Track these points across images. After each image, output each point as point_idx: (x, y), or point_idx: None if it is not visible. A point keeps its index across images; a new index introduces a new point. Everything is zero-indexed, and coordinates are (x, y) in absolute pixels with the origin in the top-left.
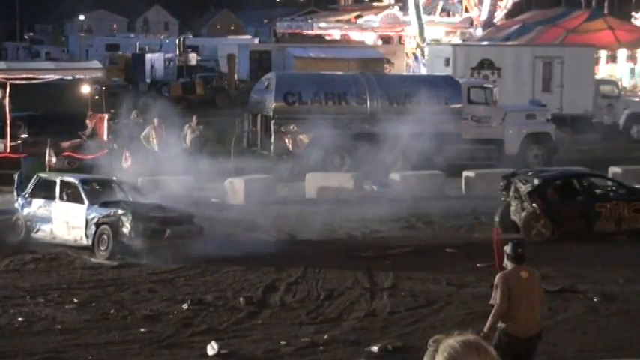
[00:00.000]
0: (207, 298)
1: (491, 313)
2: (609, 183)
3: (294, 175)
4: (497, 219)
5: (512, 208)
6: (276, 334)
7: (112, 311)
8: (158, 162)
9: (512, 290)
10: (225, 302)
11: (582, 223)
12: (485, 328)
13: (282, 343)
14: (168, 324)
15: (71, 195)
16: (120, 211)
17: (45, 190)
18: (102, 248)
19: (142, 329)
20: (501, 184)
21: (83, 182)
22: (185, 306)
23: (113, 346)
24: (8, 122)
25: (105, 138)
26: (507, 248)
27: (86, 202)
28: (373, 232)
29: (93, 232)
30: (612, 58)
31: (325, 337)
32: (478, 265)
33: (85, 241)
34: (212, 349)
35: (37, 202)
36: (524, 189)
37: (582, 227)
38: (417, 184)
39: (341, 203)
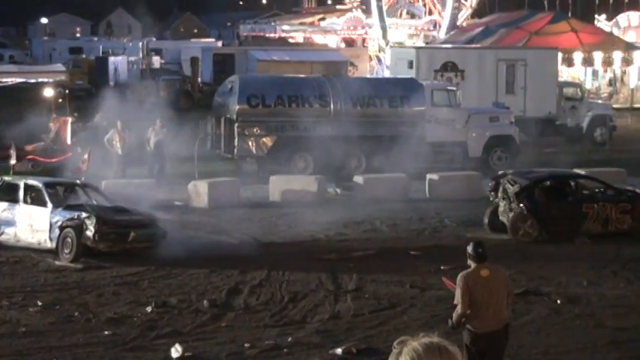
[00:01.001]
0: (172, 300)
1: (454, 313)
2: (597, 184)
3: (258, 178)
4: (485, 220)
5: (500, 209)
6: (240, 336)
7: (76, 314)
8: (121, 165)
9: (472, 289)
10: (190, 305)
11: (569, 224)
12: (454, 323)
13: (246, 345)
14: (132, 327)
15: (35, 198)
16: (84, 214)
17: (9, 193)
18: (66, 251)
19: (106, 332)
20: (490, 184)
21: (47, 185)
22: (149, 309)
23: (77, 348)
24: None
25: (68, 141)
26: (469, 248)
27: (50, 205)
28: (337, 235)
29: (57, 235)
30: (569, 61)
31: (289, 339)
32: (442, 267)
33: (48, 244)
34: (176, 351)
35: (1, 205)
36: (512, 189)
37: (569, 228)
38: (380, 186)
39: (305, 206)
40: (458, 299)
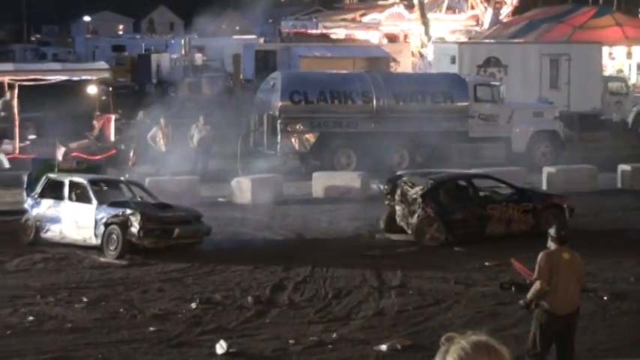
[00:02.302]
0: (216, 297)
1: (532, 289)
2: (498, 184)
3: (301, 174)
4: (381, 224)
5: (398, 213)
6: (285, 332)
7: (121, 310)
8: (165, 162)
9: (554, 269)
10: (234, 301)
11: (475, 226)
12: (529, 296)
13: (291, 342)
14: (177, 323)
15: (80, 195)
16: (128, 211)
17: (54, 191)
18: (111, 248)
19: (151, 328)
20: (386, 187)
21: (92, 182)
22: (194, 305)
23: (123, 345)
24: (17, 123)
25: (112, 138)
26: (551, 230)
27: (95, 202)
28: (380, 231)
29: (102, 231)
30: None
31: (334, 335)
32: (487, 263)
33: (93, 241)
34: (221, 348)
35: (47, 203)
36: (412, 192)
37: (475, 230)
38: None
39: (348, 202)
40: (537, 275)
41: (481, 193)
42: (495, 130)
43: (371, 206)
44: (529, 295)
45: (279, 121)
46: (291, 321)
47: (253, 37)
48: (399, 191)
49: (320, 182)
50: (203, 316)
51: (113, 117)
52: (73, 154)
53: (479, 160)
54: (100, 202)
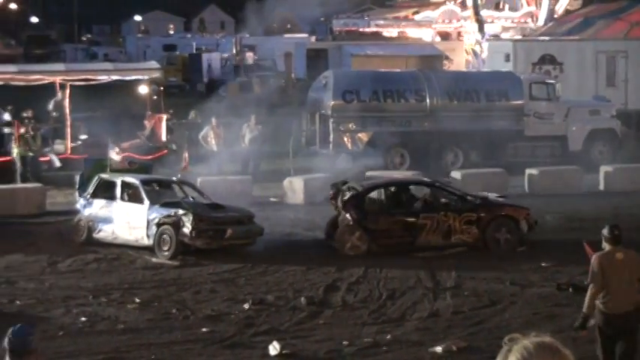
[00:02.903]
0: (269, 298)
1: (587, 294)
2: (443, 192)
3: (354, 174)
4: (325, 230)
5: (340, 218)
6: (339, 334)
7: (173, 311)
8: (217, 162)
9: (606, 271)
10: (287, 302)
11: (404, 236)
12: (585, 309)
13: (345, 343)
14: (230, 324)
15: (132, 195)
16: (181, 211)
17: (106, 191)
18: (164, 249)
19: (203, 329)
20: (331, 192)
21: (144, 182)
22: (247, 306)
23: (175, 346)
24: (68, 123)
25: (163, 138)
26: (604, 230)
27: (147, 202)
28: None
29: (154, 232)
30: None
31: (388, 337)
32: (543, 264)
33: (146, 242)
34: (274, 349)
35: (99, 203)
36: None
37: (404, 240)
38: (478, 182)
39: None
40: (590, 279)
41: (422, 201)
42: (551, 128)
43: None
44: (585, 304)
45: (331, 120)
46: (344, 322)
47: (305, 35)
48: (340, 197)
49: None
50: (256, 317)
51: (164, 117)
52: (125, 154)
53: (534, 159)
54: (152, 203)
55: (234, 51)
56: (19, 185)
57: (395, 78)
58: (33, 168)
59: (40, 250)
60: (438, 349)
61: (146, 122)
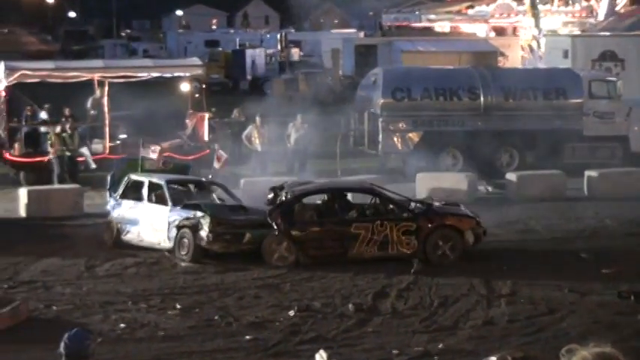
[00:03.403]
0: (315, 304)
1: None
2: (381, 198)
3: (404, 176)
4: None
5: None
6: (388, 342)
7: (216, 318)
8: (260, 162)
9: None
10: (334, 309)
11: (334, 247)
12: None
13: (395, 352)
14: (274, 331)
15: (157, 196)
16: (199, 214)
17: (135, 191)
18: (182, 252)
19: (247, 337)
20: (269, 196)
21: (169, 183)
22: (292, 313)
23: (218, 354)
24: (107, 122)
25: (205, 138)
26: None
27: (169, 203)
28: (488, 236)
29: (174, 234)
30: None
31: (440, 346)
32: (603, 271)
33: (167, 244)
34: (321, 357)
35: (127, 204)
36: None
37: (335, 252)
38: (534, 184)
39: None
40: None
41: (357, 209)
42: (612, 128)
43: (479, 210)
44: None
45: (380, 119)
46: (394, 330)
47: (353, 30)
48: (278, 201)
49: (424, 184)
50: (302, 324)
51: (206, 115)
52: (165, 153)
53: (594, 160)
54: (175, 204)
55: (278, 47)
56: (56, 186)
57: (447, 75)
58: (70, 168)
59: (77, 254)
60: (493, 359)
61: (187, 121)
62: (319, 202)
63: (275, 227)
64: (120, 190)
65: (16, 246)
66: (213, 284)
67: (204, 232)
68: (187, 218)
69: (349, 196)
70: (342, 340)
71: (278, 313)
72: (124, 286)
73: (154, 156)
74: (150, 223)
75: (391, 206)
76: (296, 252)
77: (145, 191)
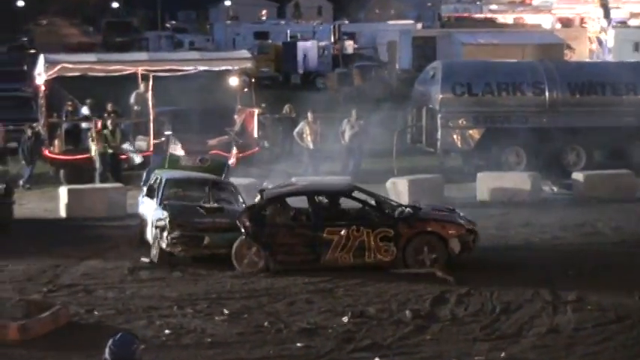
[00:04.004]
0: (370, 310)
1: None
2: (358, 201)
3: (464, 175)
4: None
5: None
6: (447, 350)
7: (265, 324)
8: (313, 160)
9: None
10: (390, 315)
11: (306, 253)
12: None
13: None
14: (327, 338)
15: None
16: (165, 214)
17: (154, 189)
18: (153, 252)
19: (298, 344)
20: (256, 199)
21: (168, 181)
22: (345, 319)
23: None
24: (151, 118)
25: (255, 135)
26: None
27: (157, 202)
28: (554, 239)
29: (153, 234)
30: None
31: (502, 355)
32: None
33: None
34: None
35: (148, 202)
36: None
37: (307, 258)
38: (603, 184)
39: (517, 206)
40: None
41: (331, 213)
42: None
43: (543, 211)
44: None
45: (439, 115)
46: (454, 338)
47: (410, 22)
48: None
49: (485, 184)
50: (356, 331)
51: (256, 111)
52: (213, 151)
53: None
54: (159, 203)
55: (332, 39)
56: (98, 185)
57: (510, 69)
58: (112, 166)
59: (120, 256)
60: None
61: (236, 117)
62: (295, 206)
63: (243, 230)
64: (145, 188)
65: (56, 248)
66: (262, 289)
67: (165, 234)
68: (159, 219)
69: (328, 200)
70: (398, 348)
71: (331, 319)
72: (169, 290)
73: (179, 152)
74: (150, 222)
75: (371, 211)
76: (266, 257)
77: (157, 188)
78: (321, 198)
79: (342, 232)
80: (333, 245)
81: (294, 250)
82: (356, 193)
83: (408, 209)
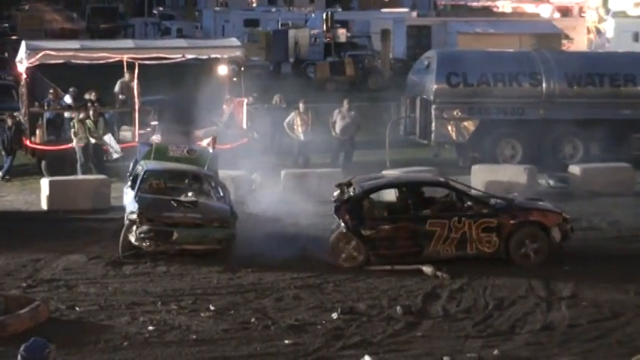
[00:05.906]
0: (360, 306)
1: None
2: (458, 193)
3: (458, 167)
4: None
5: (333, 225)
6: (438, 348)
7: (252, 320)
8: (303, 152)
9: None
10: (380, 312)
11: (409, 246)
12: None
13: (446, 358)
14: (316, 335)
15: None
16: (137, 207)
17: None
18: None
19: (286, 341)
20: (335, 194)
21: (146, 172)
22: (335, 315)
23: (255, 359)
24: (136, 108)
25: (244, 125)
26: None
27: (134, 194)
28: None
29: (125, 226)
30: None
31: (495, 352)
32: None
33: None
34: None
35: (129, 193)
36: None
37: (409, 250)
38: (600, 178)
39: None
40: None
41: (431, 205)
42: None
43: None
44: None
45: (433, 106)
46: (445, 334)
47: (405, 10)
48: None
49: (480, 176)
50: (345, 327)
51: (245, 101)
52: (198, 143)
53: None
54: (134, 196)
55: (324, 27)
56: (81, 177)
57: (507, 59)
58: (95, 158)
59: (103, 250)
60: None
61: (224, 107)
62: (391, 197)
63: (342, 225)
64: (130, 178)
65: (37, 241)
66: (249, 284)
67: (135, 227)
68: (132, 212)
69: (425, 191)
70: (388, 344)
71: (319, 316)
72: (153, 286)
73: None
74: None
75: (469, 201)
76: (366, 251)
77: (138, 179)
78: (418, 189)
79: (445, 224)
80: (435, 237)
81: (396, 243)
82: (453, 184)
83: (501, 200)
